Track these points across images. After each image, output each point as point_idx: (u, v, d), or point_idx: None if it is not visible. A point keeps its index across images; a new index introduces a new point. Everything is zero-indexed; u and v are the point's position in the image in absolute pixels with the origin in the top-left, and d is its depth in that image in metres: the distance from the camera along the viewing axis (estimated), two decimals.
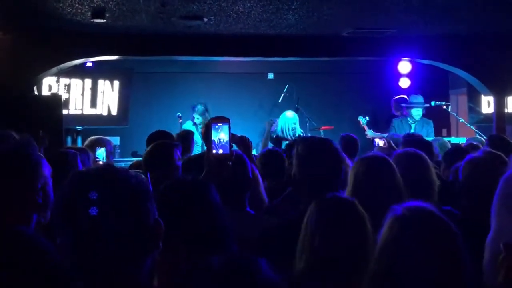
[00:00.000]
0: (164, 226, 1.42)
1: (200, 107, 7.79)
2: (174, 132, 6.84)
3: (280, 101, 9.15)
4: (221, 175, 2.28)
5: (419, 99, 7.67)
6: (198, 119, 7.76)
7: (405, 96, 8.77)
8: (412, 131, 7.55)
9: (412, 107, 7.60)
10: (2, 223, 1.79)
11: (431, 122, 7.82)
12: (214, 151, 2.21)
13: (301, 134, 7.24)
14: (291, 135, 7.08)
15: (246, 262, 1.20)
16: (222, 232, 1.94)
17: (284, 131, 7.14)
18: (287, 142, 6.75)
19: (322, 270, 2.05)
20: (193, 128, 7.83)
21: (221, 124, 2.22)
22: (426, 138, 5.44)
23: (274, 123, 7.37)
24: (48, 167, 1.95)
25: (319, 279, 2.06)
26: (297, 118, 7.35)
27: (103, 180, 1.35)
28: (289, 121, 7.16)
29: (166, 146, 3.72)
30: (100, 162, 4.26)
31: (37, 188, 1.84)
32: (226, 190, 2.66)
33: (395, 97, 8.78)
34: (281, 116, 7.35)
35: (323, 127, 8.25)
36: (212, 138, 2.21)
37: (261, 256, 1.20)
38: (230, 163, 2.25)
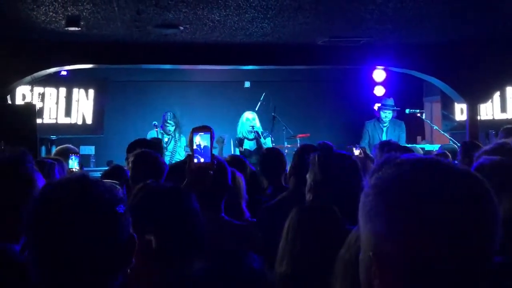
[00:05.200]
0: (139, 234, 1.40)
1: (170, 114, 7.80)
2: None
3: (256, 109, 9.17)
4: (203, 184, 2.27)
5: (389, 101, 7.82)
6: (170, 125, 7.75)
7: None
8: (384, 134, 7.68)
9: (381, 109, 7.83)
10: None
11: (402, 123, 7.94)
12: (195, 160, 2.20)
13: (262, 132, 7.50)
14: (252, 136, 7.43)
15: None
16: (199, 240, 1.92)
17: (243, 134, 7.53)
18: (254, 143, 7.23)
19: (303, 274, 2.07)
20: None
21: (202, 133, 2.23)
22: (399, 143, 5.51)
23: (224, 139, 7.78)
24: (42, 180, 1.88)
25: (300, 282, 2.07)
26: (255, 117, 7.59)
27: (75, 193, 1.30)
28: (245, 124, 7.49)
29: (155, 157, 3.70)
30: (74, 170, 4.16)
31: None
32: (203, 195, 2.65)
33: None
34: (239, 120, 7.63)
35: (299, 135, 8.28)
36: (194, 147, 2.21)
37: None
38: (212, 172, 2.24)
